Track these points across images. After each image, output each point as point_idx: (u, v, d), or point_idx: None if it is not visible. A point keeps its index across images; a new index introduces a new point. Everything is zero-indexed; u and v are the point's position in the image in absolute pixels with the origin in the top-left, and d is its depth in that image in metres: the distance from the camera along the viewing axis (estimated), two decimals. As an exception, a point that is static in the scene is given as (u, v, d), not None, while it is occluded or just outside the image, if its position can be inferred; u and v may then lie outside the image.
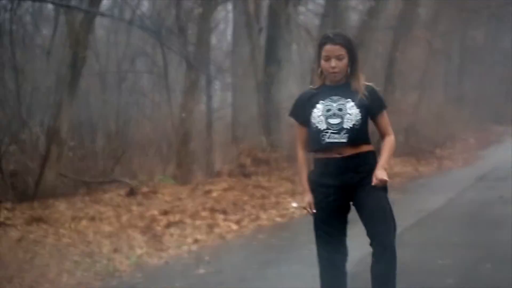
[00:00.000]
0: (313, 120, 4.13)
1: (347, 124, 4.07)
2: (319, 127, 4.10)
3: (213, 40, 15.09)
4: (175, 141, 13.63)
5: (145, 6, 15.04)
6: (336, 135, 4.08)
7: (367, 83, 4.21)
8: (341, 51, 4.09)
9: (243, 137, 14.68)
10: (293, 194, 12.87)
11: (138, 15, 13.68)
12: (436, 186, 14.35)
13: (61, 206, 10.42)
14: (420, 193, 12.78)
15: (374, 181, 4.05)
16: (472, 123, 30.52)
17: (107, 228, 9.44)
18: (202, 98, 15.50)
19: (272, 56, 15.79)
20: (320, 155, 4.17)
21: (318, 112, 4.12)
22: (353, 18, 18.63)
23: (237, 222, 10.31)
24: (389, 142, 4.22)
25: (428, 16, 23.96)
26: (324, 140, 4.09)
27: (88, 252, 8.15)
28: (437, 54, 25.64)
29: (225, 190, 12.60)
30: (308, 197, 4.25)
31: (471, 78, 34.63)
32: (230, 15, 15.96)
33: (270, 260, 7.67)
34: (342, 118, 4.08)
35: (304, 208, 4.32)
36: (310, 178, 4.24)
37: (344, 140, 4.07)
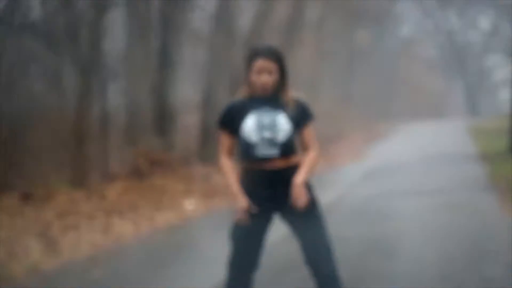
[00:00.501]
0: (244, 133, 4.09)
1: (280, 138, 4.08)
2: (251, 140, 4.08)
3: (106, 44, 14.94)
4: (70, 145, 13.50)
5: (36, 10, 14.78)
6: (268, 149, 4.07)
7: (296, 94, 4.21)
8: (273, 66, 4.08)
9: (138, 140, 14.69)
10: (188, 193, 12.99)
11: (29, 20, 13.45)
12: (326, 183, 14.76)
13: (-49, 213, 10.17)
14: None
15: (299, 207, 4.07)
16: (359, 121, 31.45)
17: (1, 234, 9.30)
18: (97, 102, 15.35)
19: (165, 59, 15.89)
20: (250, 167, 4.15)
21: (250, 124, 4.08)
22: (243, 22, 18.90)
23: (133, 224, 10.36)
24: (311, 157, 4.18)
25: (316, 18, 24.52)
26: (255, 153, 4.08)
27: (-19, 259, 8.03)
28: (326, 55, 26.30)
29: (121, 192, 12.59)
30: (244, 201, 4.14)
31: (358, 78, 35.65)
32: (123, 19, 15.88)
33: (166, 261, 7.78)
34: (275, 132, 4.07)
35: (239, 214, 4.15)
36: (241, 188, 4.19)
37: (276, 155, 4.07)
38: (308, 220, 4.15)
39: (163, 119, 15.81)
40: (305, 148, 4.22)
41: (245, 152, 4.13)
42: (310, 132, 4.23)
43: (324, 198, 11.33)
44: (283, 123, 4.08)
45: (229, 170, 4.21)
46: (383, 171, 16.64)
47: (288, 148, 4.10)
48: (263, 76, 4.07)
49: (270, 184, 4.11)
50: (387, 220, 9.57)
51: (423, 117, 45.46)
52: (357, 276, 6.10)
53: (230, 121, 4.16)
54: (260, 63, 4.07)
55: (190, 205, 12.11)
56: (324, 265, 4.12)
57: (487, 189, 11.80)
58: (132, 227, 10.19)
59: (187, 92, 19.55)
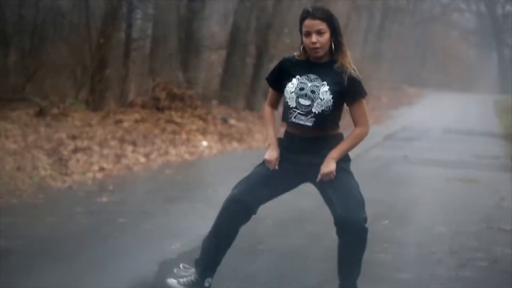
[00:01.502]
0: (285, 94, 4.04)
1: (316, 109, 3.96)
2: (289, 104, 4.02)
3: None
4: (90, 66, 13.35)
5: None
6: (302, 117, 3.98)
7: (351, 66, 4.02)
8: (321, 25, 3.92)
9: (160, 71, 14.49)
10: (204, 132, 12.86)
11: None
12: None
13: (-34, 118, 10.12)
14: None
15: (319, 178, 4.00)
16: (386, 82, 31.10)
17: (12, 146, 9.23)
18: (121, 26, 15.15)
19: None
20: (288, 129, 4.10)
21: (291, 88, 4.01)
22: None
23: (146, 155, 10.25)
24: (355, 133, 4.10)
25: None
26: (290, 118, 4.02)
27: (-11, 168, 7.97)
28: (360, 10, 25.84)
29: (136, 121, 12.47)
30: (275, 152, 4.12)
31: (390, 38, 35.14)
32: None
33: (174, 196, 7.68)
34: (312, 101, 3.97)
35: (267, 162, 4.12)
36: (279, 141, 4.16)
37: (309, 124, 3.98)
38: (339, 177, 4.01)
39: (188, 53, 15.57)
40: (355, 123, 4.11)
41: (284, 113, 4.08)
42: (360, 108, 4.08)
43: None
44: (324, 95, 3.96)
45: (269, 119, 4.24)
46: (404, 136, 16.45)
47: (323, 121, 3.99)
48: (313, 36, 3.94)
49: (301, 150, 4.04)
50: (401, 186, 9.44)
51: (453, 87, 44.85)
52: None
53: (276, 79, 4.14)
54: (308, 23, 3.94)
55: (204, 144, 11.98)
56: (355, 212, 3.94)
57: (506, 169, 11.57)
58: (145, 158, 10.08)
59: (214, 28, 19.29)
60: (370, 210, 7.23)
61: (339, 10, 23.83)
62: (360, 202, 4.00)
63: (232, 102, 16.93)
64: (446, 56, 48.12)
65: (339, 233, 3.99)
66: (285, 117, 4.08)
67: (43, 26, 14.54)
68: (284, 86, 4.06)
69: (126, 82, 14.17)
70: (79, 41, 14.15)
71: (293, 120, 4.01)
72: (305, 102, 3.98)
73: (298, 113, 3.99)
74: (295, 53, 4.14)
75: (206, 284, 4.21)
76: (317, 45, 3.94)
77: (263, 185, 4.09)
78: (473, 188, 9.59)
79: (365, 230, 3.99)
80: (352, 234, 3.96)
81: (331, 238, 4.09)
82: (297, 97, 3.99)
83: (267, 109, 4.28)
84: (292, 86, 4.01)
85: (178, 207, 7.12)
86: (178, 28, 15.35)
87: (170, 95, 13.67)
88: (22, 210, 6.62)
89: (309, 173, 4.06)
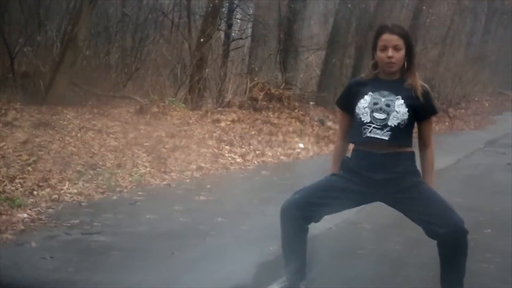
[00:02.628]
0: (357, 111, 3.93)
1: (392, 122, 3.87)
2: (363, 119, 3.91)
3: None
4: (190, 65, 13.50)
5: None
6: (378, 131, 3.88)
7: (423, 83, 4.00)
8: (399, 41, 3.90)
9: (258, 71, 14.52)
10: (301, 134, 12.81)
11: None
12: (445, 146, 14.27)
13: (69, 114, 10.37)
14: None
15: None
16: (489, 87, 30.27)
17: (113, 143, 9.41)
18: (222, 25, 15.28)
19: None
20: (359, 147, 3.99)
21: (364, 104, 3.91)
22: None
23: (242, 156, 10.28)
24: (432, 158, 4.05)
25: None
26: (365, 133, 3.90)
27: (91, 164, 8.14)
28: (464, 12, 25.23)
29: (233, 121, 12.53)
30: (334, 170, 4.12)
31: (494, 40, 34.18)
32: None
33: (270, 197, 7.63)
34: (388, 114, 3.87)
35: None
36: (345, 161, 4.08)
37: (386, 138, 3.87)
38: (420, 190, 3.90)
39: (287, 53, 15.55)
40: (423, 143, 4.04)
41: (356, 131, 3.96)
42: (430, 126, 4.06)
43: (441, 162, 11.06)
44: (399, 108, 3.88)
45: (337, 155, 4.18)
46: (507, 143, 15.91)
47: (399, 135, 3.88)
48: (389, 51, 3.89)
49: (375, 168, 3.91)
50: (504, 194, 9.09)
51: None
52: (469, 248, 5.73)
53: (348, 100, 4.05)
54: (386, 37, 3.91)
55: (301, 146, 11.92)
56: (452, 218, 3.81)
57: None
58: (241, 158, 10.10)
59: (314, 29, 19.22)
60: (471, 218, 7.09)
61: (443, 11, 23.40)
62: (451, 208, 3.87)
63: (330, 104, 16.81)
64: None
65: (442, 242, 3.87)
66: (357, 135, 3.95)
67: (145, 25, 14.82)
68: (355, 105, 3.96)
69: (224, 82, 14.26)
70: (179, 40, 14.35)
71: (368, 135, 3.88)
72: (380, 115, 3.88)
73: (374, 127, 3.88)
74: (362, 75, 4.11)
75: (302, 287, 4.15)
76: (393, 60, 3.90)
77: (324, 196, 3.99)
78: None
79: (466, 233, 3.86)
80: (456, 241, 3.85)
81: (431, 244, 3.96)
82: (372, 112, 3.89)
83: (339, 142, 4.21)
84: (365, 102, 3.93)
85: (275, 208, 7.04)
86: (278, 28, 15.37)
87: (267, 95, 13.69)
88: (122, 207, 6.72)
89: (380, 191, 3.94)
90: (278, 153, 11.06)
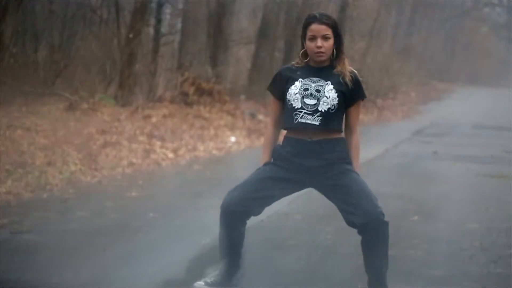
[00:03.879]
0: (288, 97, 4.00)
1: (322, 107, 3.95)
2: (294, 105, 3.98)
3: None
4: (120, 61, 13.41)
5: None
6: (309, 116, 3.95)
7: (351, 69, 4.08)
8: (327, 31, 3.97)
9: (188, 65, 14.52)
10: (232, 128, 12.87)
11: None
12: (374, 136, 14.53)
13: (-3, 113, 10.21)
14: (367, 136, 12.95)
15: None
16: (415, 77, 30.87)
17: (42, 141, 9.31)
18: (151, 21, 15.21)
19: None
20: (291, 134, 4.06)
21: (295, 90, 3.99)
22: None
23: (174, 151, 10.28)
24: (357, 144, 4.14)
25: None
26: (296, 119, 3.97)
27: (20, 162, 8.04)
28: (390, 4, 25.68)
29: (165, 116, 12.51)
30: (265, 158, 4.16)
31: (419, 32, 34.87)
32: None
33: (203, 191, 7.68)
34: (318, 99, 3.96)
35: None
36: (276, 150, 4.12)
37: (317, 123, 3.96)
38: (347, 177, 4.01)
39: (217, 48, 15.59)
40: (349, 127, 4.12)
41: (288, 117, 4.03)
42: (358, 112, 4.14)
43: (370, 152, 11.29)
44: (329, 94, 3.97)
45: (268, 142, 4.19)
46: (433, 132, 16.32)
47: (330, 120, 3.98)
48: (318, 41, 3.96)
49: (306, 155, 4.00)
50: (431, 182, 9.35)
51: (482, 82, 44.40)
52: (394, 235, 5.87)
53: (279, 86, 4.10)
54: (314, 27, 3.98)
55: (232, 139, 11.98)
56: (371, 209, 3.92)
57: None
58: (173, 153, 10.10)
59: (243, 23, 19.28)
60: (399, 206, 7.31)
61: (369, 4, 23.77)
62: (373, 198, 3.98)
63: (261, 97, 16.91)
64: (476, 51, 47.66)
65: (361, 232, 3.98)
66: (288, 121, 4.02)
67: (73, 21, 14.64)
68: (285, 92, 4.03)
69: (155, 77, 14.21)
70: (108, 36, 14.23)
71: (300, 120, 3.96)
72: (310, 101, 3.96)
73: (305, 112, 3.96)
74: (293, 62, 4.16)
75: (235, 281, 4.21)
76: (322, 50, 3.97)
77: (262, 189, 4.04)
78: (504, 183, 9.45)
79: (386, 224, 3.97)
80: (375, 232, 3.94)
81: (360, 234, 4.08)
82: (302, 97, 3.97)
83: (270, 129, 4.22)
84: (295, 88, 4.00)
85: (207, 202, 7.10)
86: (208, 23, 15.39)
87: (198, 90, 13.71)
88: (52, 205, 6.67)
89: (312, 177, 4.04)
90: (210, 147, 11.09)
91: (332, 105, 3.97)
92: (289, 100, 4.00)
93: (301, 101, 3.97)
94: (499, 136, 15.92)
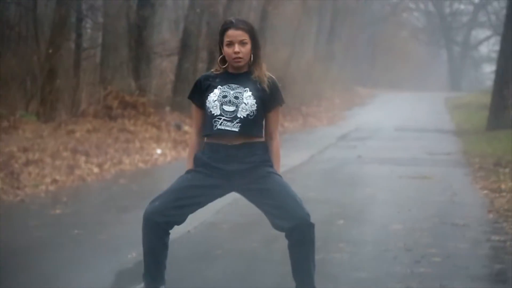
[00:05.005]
0: (208, 105, 4.02)
1: (241, 114, 3.98)
2: (213, 112, 4.00)
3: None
4: (40, 77, 13.19)
5: None
6: (228, 123, 3.98)
7: (269, 74, 4.12)
8: (244, 36, 4.00)
9: (111, 79, 14.39)
10: (158, 140, 12.81)
11: None
12: (299, 143, 14.70)
13: None
14: (283, 148, 12.99)
15: None
16: (338, 84, 31.32)
17: (-38, 160, 9.08)
18: (71, 35, 15.00)
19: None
20: (211, 140, 4.07)
21: (214, 97, 4.02)
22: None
23: (99, 165, 10.17)
24: (278, 150, 4.16)
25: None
26: (215, 126, 4.00)
27: None
28: (310, 12, 26.00)
29: (89, 131, 12.36)
30: (189, 166, 4.15)
31: (341, 39, 35.40)
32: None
33: (129, 205, 7.63)
34: (237, 106, 3.99)
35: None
36: (198, 156, 4.12)
37: (236, 130, 3.99)
38: (270, 180, 4.03)
39: (139, 60, 15.49)
40: (268, 133, 4.14)
41: (208, 124, 4.04)
42: (277, 116, 4.17)
43: (296, 158, 11.41)
44: (248, 100, 4.00)
45: (192, 151, 4.18)
46: (357, 136, 16.58)
47: (249, 126, 4.01)
48: (236, 46, 3.99)
49: (227, 159, 4.02)
50: (356, 185, 9.51)
51: (404, 86, 45.40)
52: (321, 239, 5.95)
53: (199, 94, 4.11)
54: (231, 33, 4.00)
55: (158, 151, 11.92)
56: (297, 211, 3.95)
57: (460, 165, 11.73)
58: (98, 168, 9.99)
59: (165, 35, 19.23)
60: (325, 210, 7.40)
61: (289, 12, 24.00)
62: (298, 200, 4.01)
63: (186, 109, 16.87)
64: (397, 55, 48.70)
65: (289, 235, 4.01)
66: (208, 128, 4.05)
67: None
68: (205, 99, 4.05)
69: (77, 92, 14.01)
70: (28, 52, 13.97)
71: (219, 127, 3.99)
72: (229, 108, 3.99)
73: (224, 119, 3.99)
74: (212, 70, 4.18)
75: None
76: (240, 55, 4.00)
77: (184, 197, 4.03)
78: (426, 184, 9.70)
79: (312, 226, 4.00)
80: (302, 234, 3.97)
81: (286, 240, 4.11)
82: (221, 104, 4.00)
83: (193, 138, 4.21)
84: (214, 95, 4.02)
85: (134, 216, 7.04)
86: (129, 35, 15.28)
87: (122, 103, 13.60)
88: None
89: (235, 182, 4.05)
90: (136, 161, 11.01)
91: (251, 112, 4.00)
92: (208, 108, 4.02)
93: (220, 108, 4.00)
94: (420, 138, 16.29)
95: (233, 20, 4.07)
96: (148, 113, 14.00)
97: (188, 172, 4.14)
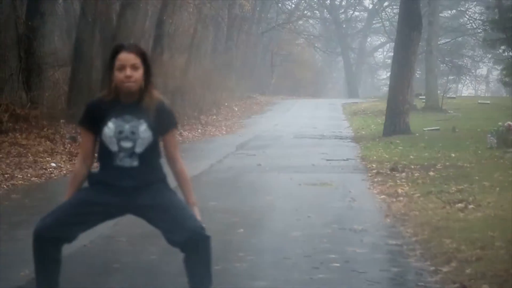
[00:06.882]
0: (104, 139, 3.91)
1: (139, 148, 3.91)
2: (110, 149, 3.91)
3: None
4: None
5: None
6: (127, 159, 3.90)
7: (159, 98, 4.00)
8: (136, 60, 3.87)
9: (0, 91, 13.90)
10: (52, 153, 12.47)
11: None
12: (198, 152, 14.60)
13: None
14: (182, 158, 12.90)
15: None
16: (237, 92, 31.42)
17: None
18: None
19: (34, 8, 15.09)
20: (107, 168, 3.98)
21: (110, 133, 3.89)
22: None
23: (-11, 181, 9.79)
24: (185, 173, 4.09)
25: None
26: (114, 162, 3.91)
27: None
28: (206, 20, 26.00)
29: (-23, 146, 11.91)
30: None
31: (237, 47, 35.57)
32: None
33: (21, 221, 7.35)
34: (134, 142, 3.90)
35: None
36: (93, 174, 4.00)
37: (136, 164, 3.91)
38: (162, 196, 3.96)
39: (30, 72, 15.02)
40: (169, 157, 4.06)
41: (104, 158, 3.95)
42: (173, 139, 4.09)
43: (195, 168, 11.30)
44: (143, 132, 3.90)
45: (75, 180, 4.04)
46: (257, 145, 16.62)
47: (148, 159, 3.94)
48: (127, 70, 3.85)
49: (123, 177, 3.91)
50: (255, 194, 9.50)
51: (303, 93, 46.05)
52: (219, 249, 5.88)
53: (91, 122, 3.96)
54: (123, 56, 3.87)
55: (53, 165, 11.60)
56: (188, 225, 3.87)
57: (358, 170, 11.90)
58: (-13, 184, 9.61)
59: (57, 44, 18.76)
60: (224, 220, 7.33)
61: (186, 20, 23.91)
62: (191, 214, 3.96)
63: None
64: (295, 62, 49.36)
65: (183, 249, 3.93)
66: (106, 163, 3.95)
67: None
68: (100, 131, 3.91)
69: (-36, 105, 13.50)
70: None
71: (118, 163, 3.90)
72: (127, 144, 3.89)
73: (123, 156, 3.90)
74: (100, 95, 4.03)
75: None
76: (132, 79, 3.86)
77: (77, 214, 3.91)
78: (325, 191, 9.78)
79: (207, 238, 3.93)
80: (196, 247, 3.90)
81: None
82: (118, 141, 3.89)
83: (78, 167, 4.07)
84: (109, 130, 3.89)
85: (26, 232, 6.76)
86: (17, 46, 14.81)
87: (13, 116, 13.17)
88: None
89: (129, 199, 3.94)
90: (29, 175, 10.67)
91: (148, 144, 3.92)
92: (104, 142, 3.90)
93: (117, 144, 3.89)
94: (319, 145, 16.48)
95: (125, 44, 3.96)
96: (42, 126, 13.63)
97: (80, 190, 4.01)
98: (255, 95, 36.28)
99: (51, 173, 11.16)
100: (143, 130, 3.90)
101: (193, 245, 3.89)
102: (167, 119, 4.00)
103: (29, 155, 12.03)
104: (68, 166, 11.73)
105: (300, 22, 52.04)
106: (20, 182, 10.20)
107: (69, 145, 13.50)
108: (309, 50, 53.83)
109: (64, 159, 12.26)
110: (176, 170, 4.06)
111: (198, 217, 3.99)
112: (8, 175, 10.39)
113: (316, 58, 58.26)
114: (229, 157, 14.03)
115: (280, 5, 45.92)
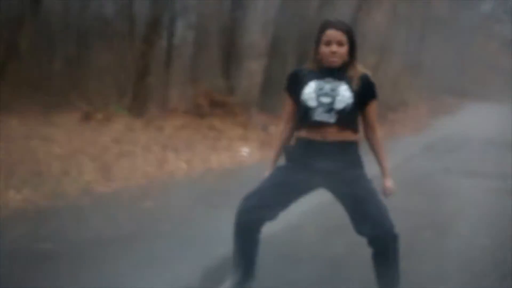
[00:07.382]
0: (304, 97, 4.06)
1: (338, 105, 4.03)
2: (309, 104, 4.04)
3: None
4: (134, 72, 13.52)
5: None
6: (325, 114, 4.03)
7: (363, 71, 4.16)
8: (343, 37, 4.05)
9: (201, 78, 14.63)
10: (245, 140, 12.91)
11: None
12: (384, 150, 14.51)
13: (13, 122, 10.31)
14: (367, 156, 12.92)
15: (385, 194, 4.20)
16: (425, 92, 30.86)
17: (58, 150, 9.40)
18: (164, 34, 15.33)
19: (237, 2, 15.72)
20: (304, 134, 4.12)
21: (310, 90, 4.05)
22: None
23: (187, 161, 10.35)
24: (381, 142, 4.25)
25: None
26: (312, 117, 4.03)
27: (37, 172, 8.12)
28: (400, 20, 25.74)
29: (178, 128, 12.60)
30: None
31: (430, 48, 34.89)
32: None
33: (216, 203, 7.71)
34: (333, 98, 4.03)
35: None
36: (289, 151, 4.19)
37: (333, 120, 4.03)
38: (359, 186, 4.08)
39: (229, 61, 15.69)
40: (369, 126, 4.20)
41: (303, 116, 4.10)
42: (374, 110, 4.21)
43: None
44: (343, 91, 4.04)
45: (278, 141, 4.30)
46: (444, 147, 16.30)
47: (345, 119, 4.05)
48: (333, 46, 4.04)
49: (318, 156, 4.06)
50: (442, 197, 9.37)
51: (491, 98, 44.30)
52: (407, 250, 5.93)
53: (294, 86, 4.17)
54: (330, 33, 4.05)
55: (245, 151, 12.04)
56: (380, 221, 3.99)
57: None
58: (186, 164, 10.17)
59: (256, 37, 19.37)
60: (411, 221, 7.33)
61: (379, 20, 23.82)
62: (385, 210, 4.05)
63: (272, 111, 16.97)
64: (486, 66, 47.62)
65: (372, 244, 4.06)
66: (304, 119, 4.09)
67: (88, 34, 14.78)
68: (300, 91, 4.09)
69: (168, 89, 14.32)
70: (122, 48, 14.35)
71: (316, 118, 4.03)
72: (326, 99, 4.03)
73: (321, 111, 4.03)
74: (304, 66, 4.23)
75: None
76: (337, 55, 4.05)
77: (277, 194, 4.11)
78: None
79: (397, 238, 4.04)
80: (383, 245, 4.02)
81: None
82: (318, 96, 4.04)
83: (281, 127, 4.31)
84: (310, 88, 4.06)
85: (221, 213, 7.15)
86: (220, 36, 15.50)
87: (211, 102, 13.80)
88: (68, 214, 6.75)
89: (324, 180, 4.09)
90: (222, 159, 11.16)
91: (347, 104, 4.03)
92: (304, 100, 4.06)
93: (316, 99, 4.04)
94: (508, 150, 15.85)
95: (334, 20, 4.13)
96: (236, 113, 14.16)
97: (278, 168, 4.21)
98: (443, 96, 35.48)
99: (243, 158, 11.58)
100: (344, 89, 4.04)
101: (382, 242, 4.01)
102: (369, 90, 4.15)
103: (224, 140, 12.55)
104: (259, 154, 12.13)
105: (496, 26, 50.04)
106: (214, 164, 10.66)
107: (260, 133, 13.93)
108: (501, 54, 51.66)
109: (255, 146, 12.66)
110: (375, 138, 4.22)
111: (392, 186, 4.21)
112: (204, 157, 10.89)
113: (508, 63, 55.74)
114: (416, 158, 13.88)
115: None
